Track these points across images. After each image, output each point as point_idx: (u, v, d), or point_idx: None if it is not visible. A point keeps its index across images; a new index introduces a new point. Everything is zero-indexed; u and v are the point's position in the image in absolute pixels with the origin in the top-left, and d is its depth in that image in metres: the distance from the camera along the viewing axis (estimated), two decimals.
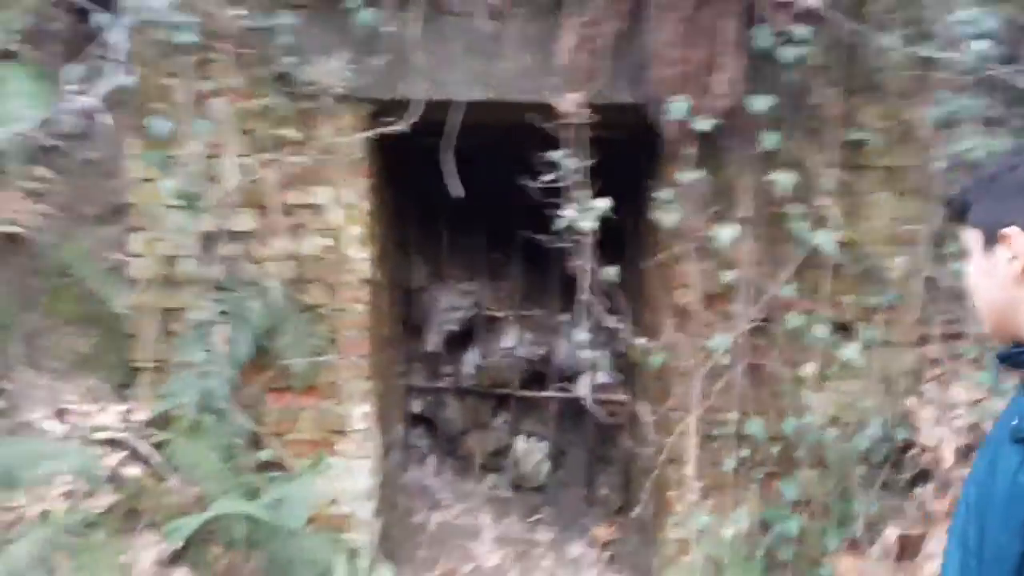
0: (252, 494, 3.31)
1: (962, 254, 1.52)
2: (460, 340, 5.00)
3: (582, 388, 4.60)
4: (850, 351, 3.28)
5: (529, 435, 4.90)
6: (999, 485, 1.31)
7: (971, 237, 1.45)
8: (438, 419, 4.96)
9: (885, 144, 3.50)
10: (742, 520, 3.33)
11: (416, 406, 4.99)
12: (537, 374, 4.76)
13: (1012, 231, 1.36)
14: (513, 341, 4.80)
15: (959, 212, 1.47)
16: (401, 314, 4.79)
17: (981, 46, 3.25)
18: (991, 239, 1.40)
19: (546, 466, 4.83)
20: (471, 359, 4.91)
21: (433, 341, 4.92)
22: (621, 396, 4.33)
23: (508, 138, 3.54)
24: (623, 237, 4.18)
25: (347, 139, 3.55)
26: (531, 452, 4.85)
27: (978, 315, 1.50)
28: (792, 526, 3.32)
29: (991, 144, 3.38)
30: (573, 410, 4.65)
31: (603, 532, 4.41)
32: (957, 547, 1.41)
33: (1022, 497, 1.27)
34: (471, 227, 4.66)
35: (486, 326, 4.93)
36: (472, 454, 4.94)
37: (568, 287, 3.68)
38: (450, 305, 4.91)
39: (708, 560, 3.38)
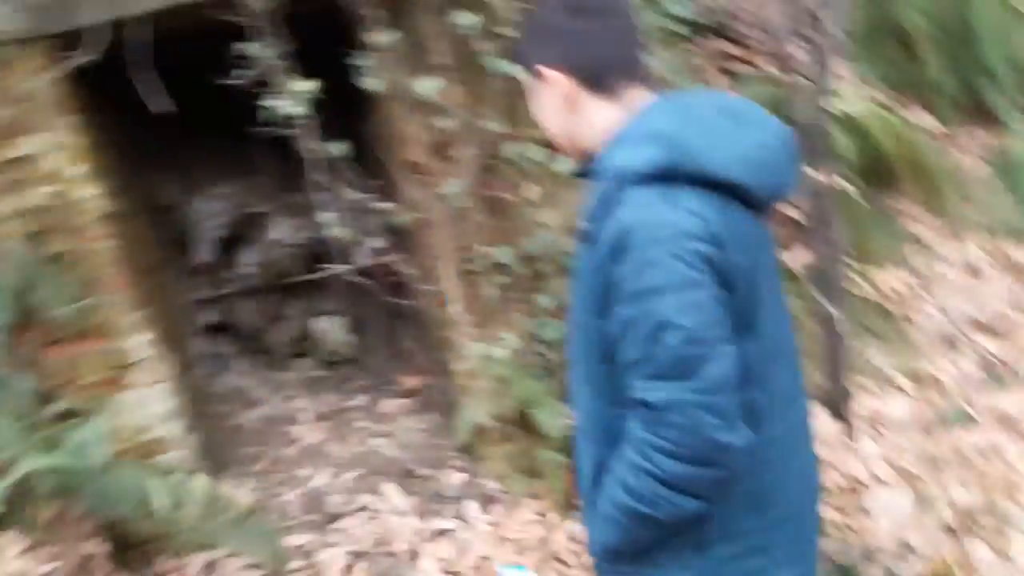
0: (54, 446, 3.31)
1: (527, 93, 1.68)
2: (232, 243, 5.00)
3: (360, 260, 4.70)
4: (562, 164, 3.46)
5: (326, 315, 5.04)
6: (579, 276, 1.57)
7: (528, 80, 1.65)
8: (235, 323, 5.04)
9: None
10: (512, 339, 3.58)
11: (211, 316, 5.02)
12: (316, 255, 4.81)
13: (549, 72, 1.56)
14: (283, 231, 4.86)
15: (515, 59, 1.63)
16: (164, 234, 4.74)
17: None
18: (541, 77, 1.58)
19: (349, 339, 5.01)
20: (248, 258, 4.95)
21: (204, 251, 4.91)
22: (396, 257, 4.45)
23: (210, 39, 3.43)
24: (352, 108, 4.19)
25: (39, 83, 3.38)
26: (331, 330, 5.02)
27: (557, 143, 1.70)
28: (553, 330, 3.59)
29: None
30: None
31: (410, 382, 4.68)
32: (571, 326, 1.67)
33: (589, 282, 1.50)
34: (211, 132, 4.55)
35: (253, 223, 4.95)
36: (276, 347, 5.06)
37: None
38: (211, 212, 4.88)
39: (496, 381, 3.64)
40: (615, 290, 1.42)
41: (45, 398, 3.53)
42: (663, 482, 1.40)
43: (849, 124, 4.03)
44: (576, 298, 1.61)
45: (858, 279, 4.09)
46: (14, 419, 3.36)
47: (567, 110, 1.61)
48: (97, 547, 3.38)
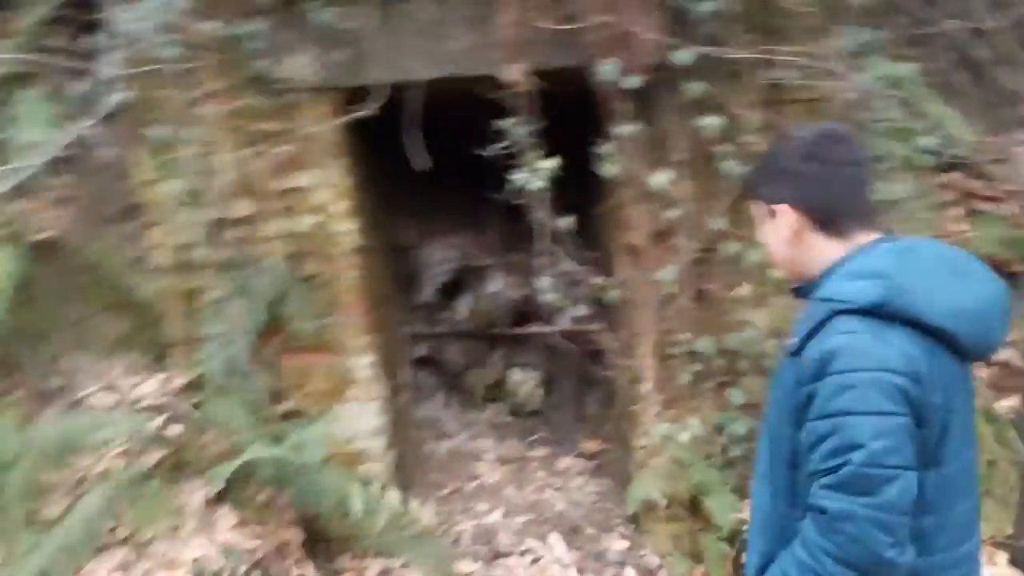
0: (277, 440, 3.73)
1: (756, 220, 1.86)
2: (453, 288, 5.42)
3: (562, 323, 5.01)
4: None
5: (523, 367, 5.35)
6: (781, 387, 1.72)
7: (758, 209, 1.84)
8: (441, 360, 5.44)
9: (802, 80, 3.68)
10: (696, 426, 3.70)
11: (421, 350, 5.45)
12: (524, 313, 5.17)
13: (780, 208, 1.72)
14: (499, 285, 5.23)
15: (749, 189, 1.81)
16: (398, 271, 5.21)
17: None
18: (771, 212, 1.75)
19: (539, 393, 5.30)
20: (463, 304, 5.36)
21: (428, 292, 5.38)
22: (597, 326, 4.68)
23: (470, 108, 3.79)
24: (585, 186, 4.46)
25: (322, 127, 3.88)
26: (525, 382, 5.32)
27: (775, 263, 1.87)
28: (740, 427, 3.68)
29: (894, 71, 3.60)
30: (559, 341, 5.04)
31: (590, 445, 4.87)
32: (764, 433, 1.86)
33: (791, 395, 1.66)
34: (454, 188, 4.99)
35: (474, 274, 5.36)
36: (473, 388, 5.42)
37: None
38: (440, 258, 5.34)
39: (673, 462, 3.77)
40: (813, 405, 1.56)
41: (277, 397, 4.01)
42: None
43: None
44: (773, 406, 1.77)
45: None
46: (250, 411, 3.85)
47: (793, 241, 1.77)
48: (294, 535, 3.77)
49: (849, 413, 1.50)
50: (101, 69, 3.91)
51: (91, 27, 3.95)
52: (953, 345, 1.58)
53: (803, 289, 1.80)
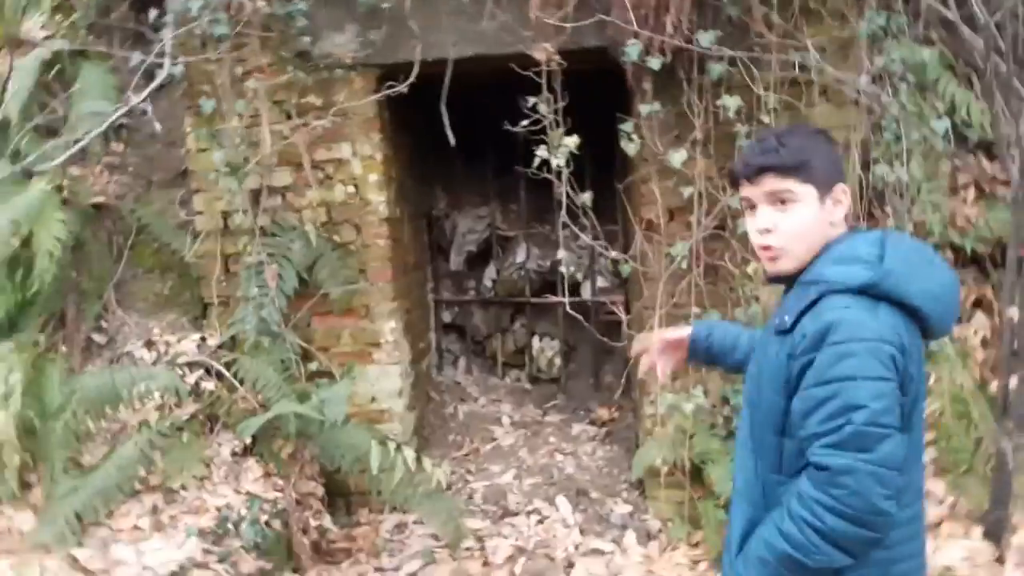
0: (303, 397, 3.81)
1: (782, 199, 1.75)
2: (480, 257, 5.47)
3: (584, 293, 5.07)
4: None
5: (543, 335, 5.36)
6: (769, 362, 1.77)
7: (805, 190, 1.74)
8: (467, 326, 5.48)
9: (822, 62, 3.62)
10: (700, 396, 3.69)
11: (447, 316, 5.51)
12: (548, 282, 5.19)
13: (841, 188, 1.78)
14: (524, 256, 5.23)
15: (787, 168, 1.74)
16: (427, 240, 5.29)
17: None
18: (828, 194, 1.76)
19: (558, 361, 5.29)
20: (489, 273, 5.40)
21: (456, 261, 5.41)
22: (617, 297, 4.73)
23: (501, 83, 3.84)
24: (610, 161, 4.52)
25: (360, 102, 3.98)
26: (545, 350, 5.32)
27: (791, 252, 1.77)
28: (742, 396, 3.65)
29: (911, 55, 3.60)
30: (580, 311, 5.05)
31: (604, 413, 4.86)
32: (745, 405, 1.89)
33: (782, 368, 1.72)
34: (483, 159, 5.07)
35: (500, 244, 5.38)
36: (495, 354, 5.45)
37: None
38: (468, 228, 5.38)
39: (678, 431, 3.78)
40: (809, 374, 1.64)
41: (306, 356, 4.09)
42: (823, 535, 1.60)
43: None
44: (755, 380, 1.83)
45: None
46: (280, 369, 3.92)
47: (823, 227, 1.76)
48: (315, 488, 3.84)
49: (849, 378, 1.58)
50: (156, 44, 4.09)
51: (150, 3, 4.12)
52: (924, 325, 1.71)
53: (788, 277, 1.81)
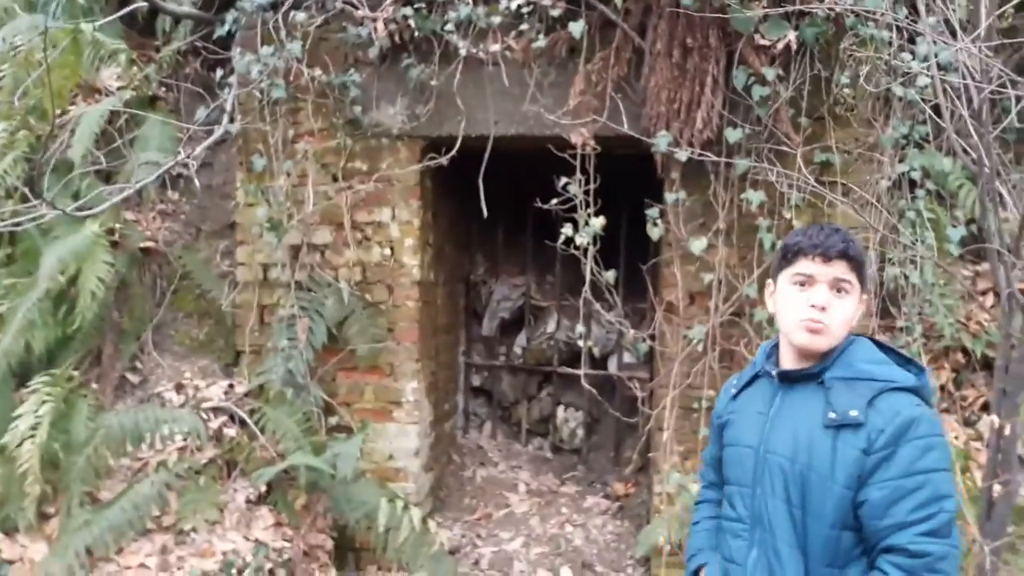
0: (319, 450, 3.61)
1: (840, 287, 1.75)
2: (513, 325, 5.27)
3: (611, 368, 4.87)
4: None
5: (568, 405, 5.11)
6: (827, 457, 1.69)
7: (857, 287, 1.77)
8: (494, 391, 5.24)
9: (847, 164, 3.55)
10: None
11: (477, 380, 5.28)
12: (575, 353, 5.00)
13: (865, 293, 1.82)
14: (554, 326, 5.04)
15: (855, 261, 1.75)
16: (464, 304, 5.13)
17: (925, 80, 3.38)
18: (862, 295, 1.79)
19: (581, 432, 5.03)
20: (520, 341, 5.18)
21: (489, 326, 5.20)
22: (641, 374, 4.55)
23: (543, 158, 3.71)
24: (640, 242, 4.39)
25: (404, 170, 3.91)
26: (569, 420, 5.06)
27: (833, 335, 1.75)
28: None
29: (931, 162, 3.50)
30: (606, 384, 4.86)
31: (620, 488, 4.56)
32: (782, 507, 1.75)
33: (855, 462, 1.66)
34: (523, 230, 4.93)
35: (533, 313, 5.19)
36: (520, 421, 5.21)
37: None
38: (503, 296, 5.19)
39: (685, 511, 3.53)
40: (890, 466, 1.63)
41: (328, 410, 3.89)
42: None
43: None
44: (800, 480, 1.71)
45: None
46: (302, 421, 3.71)
47: (852, 324, 1.78)
48: (323, 541, 3.62)
49: (935, 470, 1.62)
50: (218, 101, 4.09)
51: (217, 64, 4.12)
52: None
53: (802, 371, 1.79)
